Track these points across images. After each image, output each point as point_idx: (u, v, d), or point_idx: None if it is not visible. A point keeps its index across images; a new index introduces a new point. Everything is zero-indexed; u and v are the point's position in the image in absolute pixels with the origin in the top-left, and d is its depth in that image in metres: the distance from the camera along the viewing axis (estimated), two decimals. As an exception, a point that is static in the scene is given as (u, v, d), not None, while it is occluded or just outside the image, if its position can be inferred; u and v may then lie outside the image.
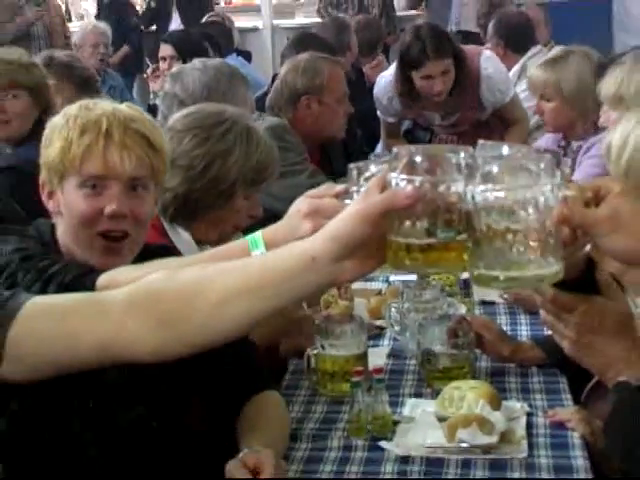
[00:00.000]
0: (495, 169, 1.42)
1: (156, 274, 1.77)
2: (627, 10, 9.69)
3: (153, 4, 10.29)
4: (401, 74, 5.03)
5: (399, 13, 10.03)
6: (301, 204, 1.86)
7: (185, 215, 2.76)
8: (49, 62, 4.64)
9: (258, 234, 1.91)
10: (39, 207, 2.33)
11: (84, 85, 4.63)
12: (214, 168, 2.71)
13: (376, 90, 5.35)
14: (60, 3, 10.26)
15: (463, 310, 2.98)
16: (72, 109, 2.23)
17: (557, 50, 4.14)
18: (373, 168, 1.64)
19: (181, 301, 1.62)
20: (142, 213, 2.24)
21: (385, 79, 5.26)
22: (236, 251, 1.91)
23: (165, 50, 6.02)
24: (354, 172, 1.71)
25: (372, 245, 1.47)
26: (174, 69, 4.30)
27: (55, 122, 2.24)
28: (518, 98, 5.31)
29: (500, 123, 5.26)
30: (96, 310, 1.69)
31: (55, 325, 1.71)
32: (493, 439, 2.27)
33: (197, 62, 3.95)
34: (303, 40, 5.81)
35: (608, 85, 3.17)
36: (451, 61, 4.93)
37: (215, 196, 2.74)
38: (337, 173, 4.31)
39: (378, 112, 5.42)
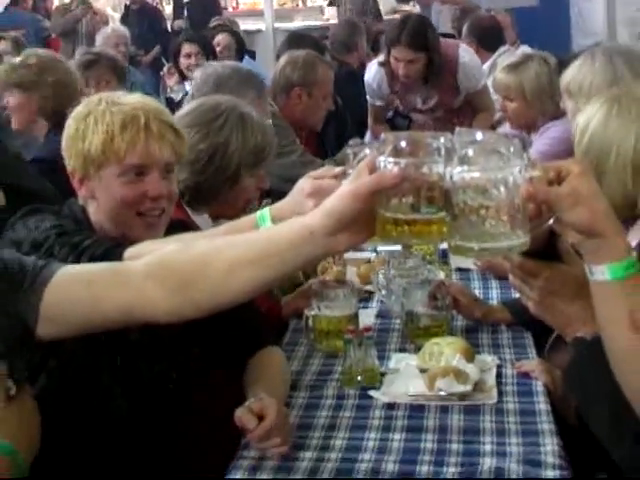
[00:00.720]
0: (471, 152, 1.42)
1: (171, 247, 1.78)
2: (582, 15, 9.72)
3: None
4: (386, 47, 5.05)
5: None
6: (304, 184, 1.85)
7: (199, 201, 2.73)
8: (99, 56, 4.67)
9: (266, 210, 1.90)
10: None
11: (122, 76, 4.66)
12: (217, 159, 2.68)
13: (367, 76, 5.32)
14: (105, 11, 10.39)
15: (442, 276, 2.98)
16: (96, 103, 2.19)
17: (518, 56, 4.15)
18: (367, 152, 1.63)
19: (192, 270, 1.63)
20: (173, 192, 2.26)
21: (375, 66, 5.22)
22: (246, 225, 1.90)
23: (191, 48, 6.05)
24: (351, 156, 1.70)
25: (362, 220, 1.46)
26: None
27: (81, 115, 2.20)
28: (488, 88, 5.24)
29: (471, 111, 5.24)
30: (118, 279, 1.70)
31: (82, 291, 1.72)
32: (467, 388, 2.27)
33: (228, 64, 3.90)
34: (295, 39, 5.82)
35: (565, 77, 3.18)
36: (423, 55, 4.88)
37: (222, 182, 2.71)
38: (330, 154, 4.33)
39: (367, 96, 5.36)
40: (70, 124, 2.21)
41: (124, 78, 4.72)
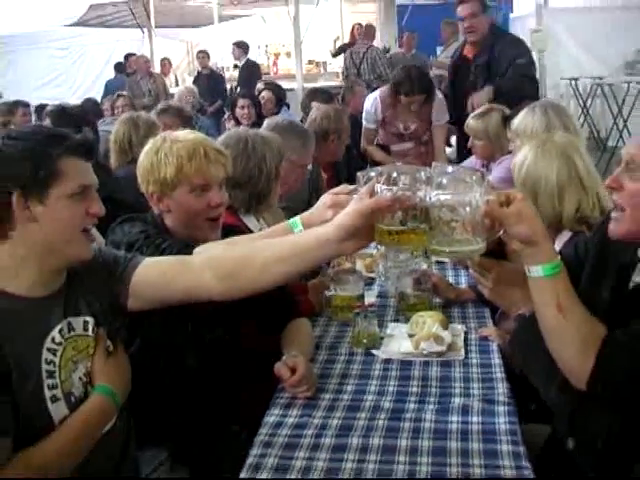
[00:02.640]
0: (444, 180, 1.43)
1: (223, 247, 1.80)
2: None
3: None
4: (392, 93, 5.00)
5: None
6: (326, 198, 1.81)
7: (261, 203, 2.69)
8: (168, 107, 4.67)
9: (297, 218, 1.87)
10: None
11: (188, 122, 4.65)
12: (264, 172, 2.63)
13: (366, 103, 5.27)
14: (164, 79, 10.49)
15: (425, 266, 2.94)
16: (161, 141, 2.14)
17: (483, 107, 4.11)
18: (372, 174, 1.61)
19: (236, 264, 1.65)
20: (226, 200, 2.22)
21: (374, 96, 5.22)
22: (282, 230, 1.89)
23: (243, 102, 6.09)
24: (360, 177, 1.68)
25: (364, 231, 1.48)
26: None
27: (151, 151, 2.14)
28: (446, 130, 5.23)
29: (432, 146, 5.18)
30: (184, 268, 1.73)
31: (158, 277, 1.75)
32: (443, 348, 2.26)
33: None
34: (312, 93, 5.76)
35: (513, 123, 3.20)
36: (424, 95, 4.92)
37: (272, 182, 2.67)
38: (342, 181, 4.27)
39: (363, 120, 5.27)
40: (143, 159, 2.15)
41: (188, 122, 4.67)
